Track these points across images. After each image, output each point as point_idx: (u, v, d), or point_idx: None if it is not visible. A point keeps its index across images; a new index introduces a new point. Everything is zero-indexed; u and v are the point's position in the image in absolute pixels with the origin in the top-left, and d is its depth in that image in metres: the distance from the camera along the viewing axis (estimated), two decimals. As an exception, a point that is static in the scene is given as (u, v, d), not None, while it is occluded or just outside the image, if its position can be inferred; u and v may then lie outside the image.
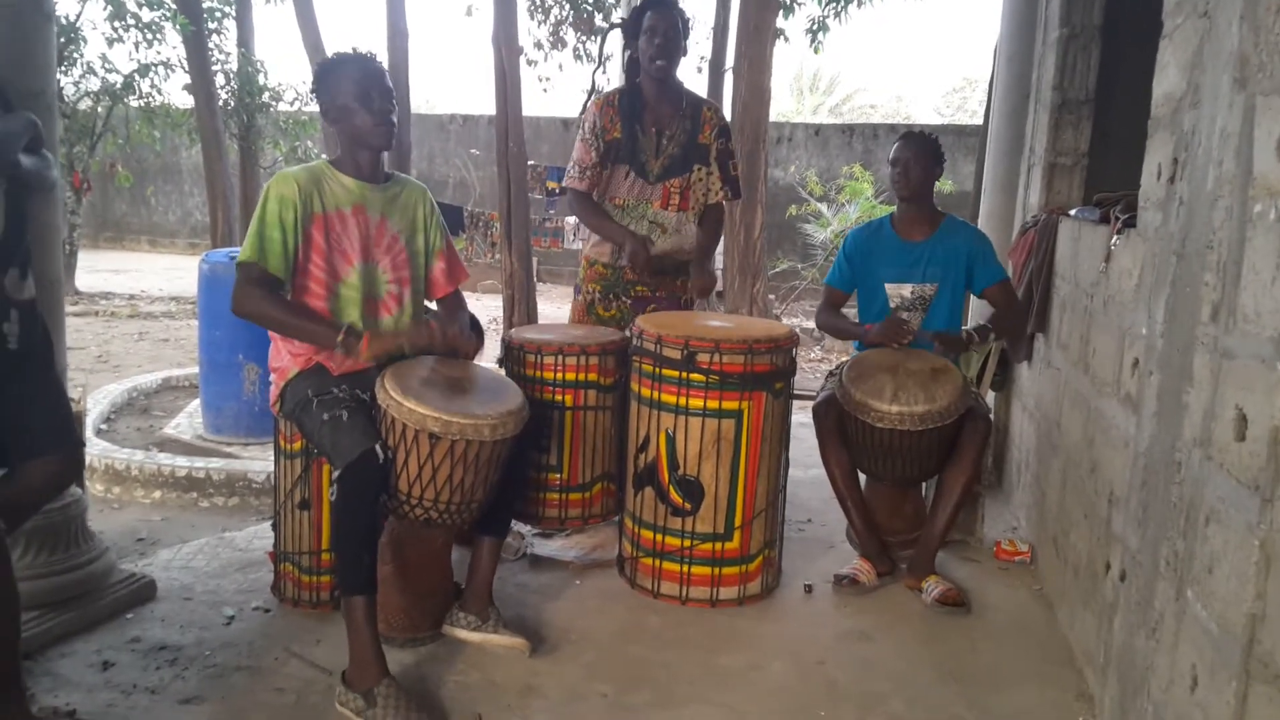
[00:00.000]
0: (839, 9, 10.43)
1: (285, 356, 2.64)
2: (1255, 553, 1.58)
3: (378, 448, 2.37)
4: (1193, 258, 1.99)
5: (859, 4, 10.49)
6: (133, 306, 10.14)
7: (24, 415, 2.29)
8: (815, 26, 10.51)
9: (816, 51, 10.82)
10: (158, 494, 4.46)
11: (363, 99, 2.57)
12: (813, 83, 27.38)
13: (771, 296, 10.53)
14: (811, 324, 5.63)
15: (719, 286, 10.23)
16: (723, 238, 9.93)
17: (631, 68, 3.50)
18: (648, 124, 3.46)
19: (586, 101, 3.59)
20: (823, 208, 11.46)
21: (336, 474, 2.37)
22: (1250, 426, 1.63)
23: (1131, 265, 2.47)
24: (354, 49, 2.69)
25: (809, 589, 3.14)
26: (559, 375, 3.11)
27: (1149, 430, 2.19)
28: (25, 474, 2.28)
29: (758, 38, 9.10)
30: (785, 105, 26.38)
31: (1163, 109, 2.33)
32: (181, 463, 4.54)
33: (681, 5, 3.47)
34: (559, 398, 3.12)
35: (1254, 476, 1.60)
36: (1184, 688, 1.83)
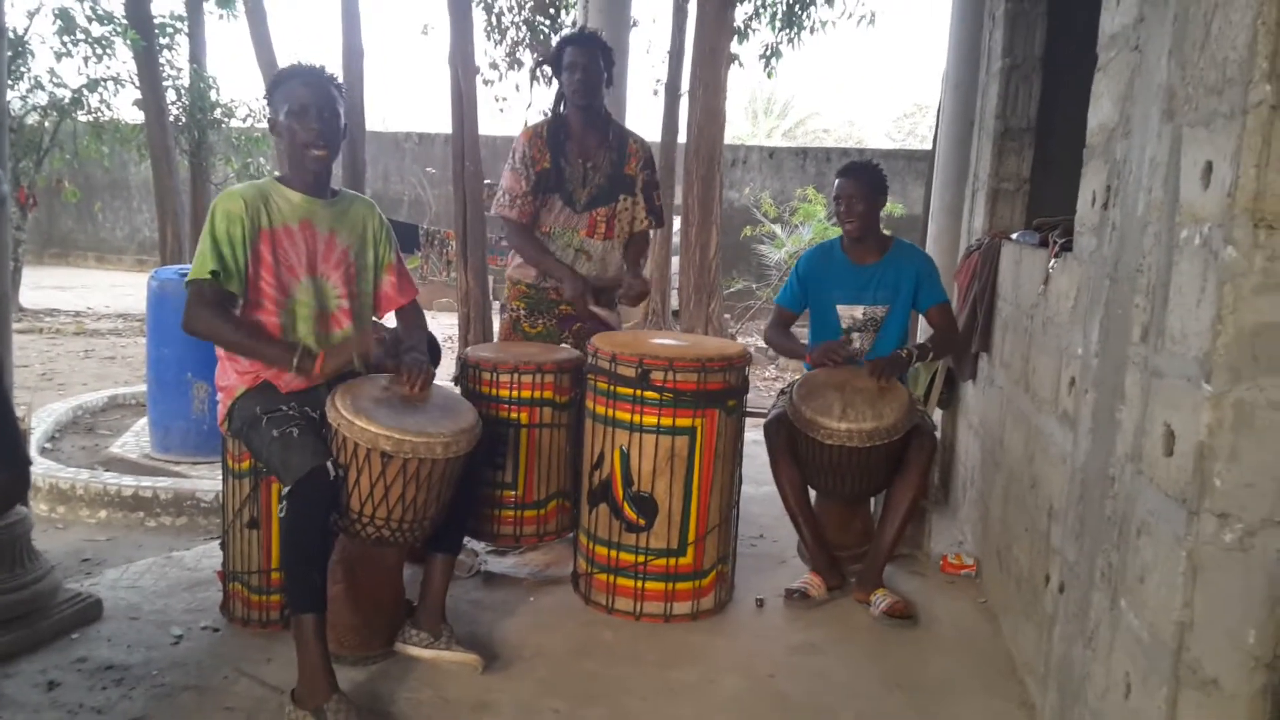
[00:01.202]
0: (792, 35, 10.61)
1: (232, 375, 2.63)
2: (1183, 563, 1.65)
3: (329, 465, 2.37)
4: (1124, 281, 2.07)
5: (811, 30, 10.68)
6: (79, 324, 9.95)
7: None
8: (769, 52, 10.68)
9: (770, 76, 10.99)
10: (103, 514, 4.38)
11: (300, 115, 2.56)
12: (767, 106, 27.73)
13: (727, 316, 10.62)
14: (766, 344, 5.70)
15: (674, 306, 10.31)
16: (678, 257, 10.03)
17: (558, 100, 3.58)
18: (573, 155, 3.53)
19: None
20: (777, 229, 11.62)
21: (286, 491, 2.37)
22: (1177, 442, 1.70)
23: (1068, 288, 2.56)
24: (299, 61, 2.66)
25: (760, 603, 3.18)
26: (514, 393, 3.13)
27: (1085, 446, 2.27)
28: None
29: (712, 62, 9.22)
30: (740, 128, 26.66)
31: (1097, 138, 2.42)
32: (128, 482, 4.47)
33: (603, 39, 3.55)
34: (514, 415, 3.13)
35: (1181, 490, 1.67)
36: (1118, 695, 1.89)
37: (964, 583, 3.43)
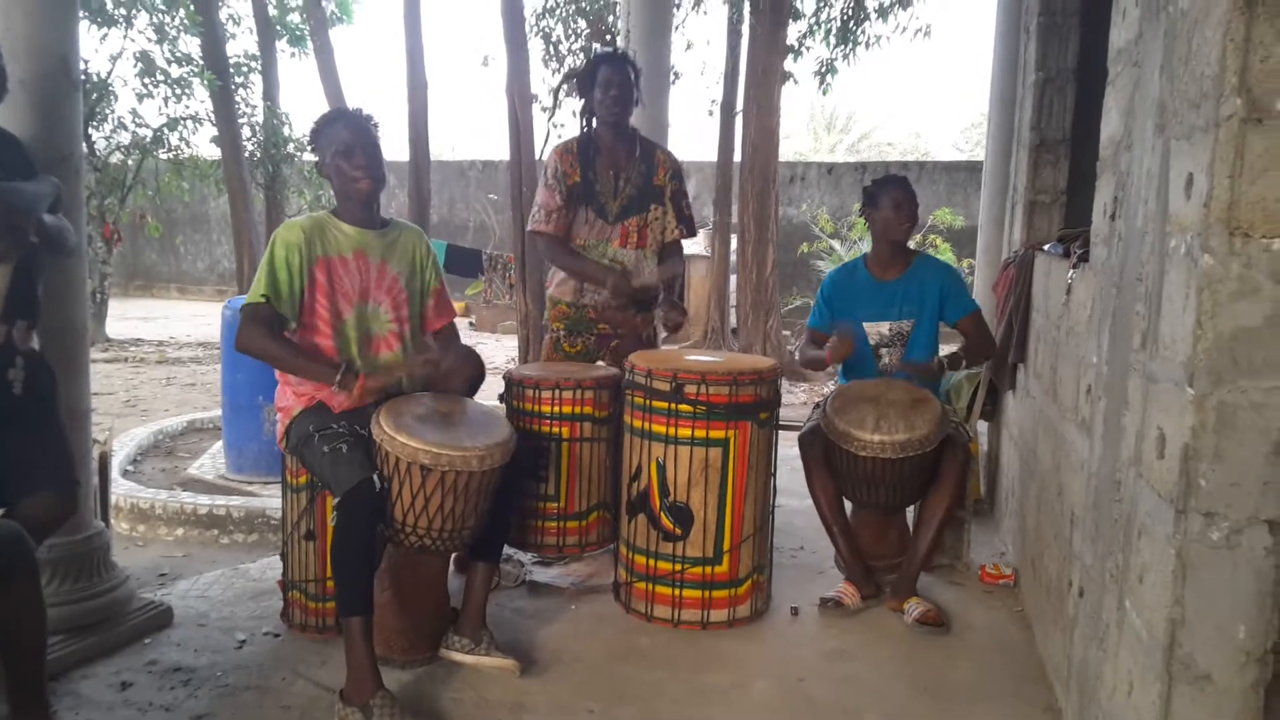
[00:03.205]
0: (846, 51, 10.67)
1: (290, 396, 2.82)
2: (1173, 561, 1.70)
3: (375, 477, 2.54)
4: (1128, 289, 2.12)
5: (866, 46, 10.72)
6: (161, 353, 10.42)
7: (24, 455, 2.46)
8: (823, 69, 10.75)
9: (825, 93, 11.07)
10: (180, 531, 4.63)
11: (346, 155, 2.76)
12: (829, 122, 27.69)
13: (786, 333, 10.66)
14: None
15: (733, 324, 10.38)
16: (735, 275, 10.11)
17: (587, 117, 3.70)
18: (603, 168, 3.65)
19: (543, 149, 3.81)
20: (835, 244, 11.63)
21: (336, 502, 2.53)
22: (1168, 444, 1.76)
23: (1085, 297, 2.61)
24: (336, 108, 2.88)
25: (795, 611, 3.25)
26: (556, 409, 3.26)
27: (1098, 452, 2.31)
28: (23, 510, 2.43)
29: (766, 81, 9.33)
30: (802, 144, 26.66)
31: (1107, 151, 2.48)
32: (203, 501, 4.72)
33: (633, 58, 3.70)
34: (556, 430, 3.26)
35: (1170, 490, 1.72)
36: (1123, 693, 1.93)
37: (1002, 592, 3.45)
